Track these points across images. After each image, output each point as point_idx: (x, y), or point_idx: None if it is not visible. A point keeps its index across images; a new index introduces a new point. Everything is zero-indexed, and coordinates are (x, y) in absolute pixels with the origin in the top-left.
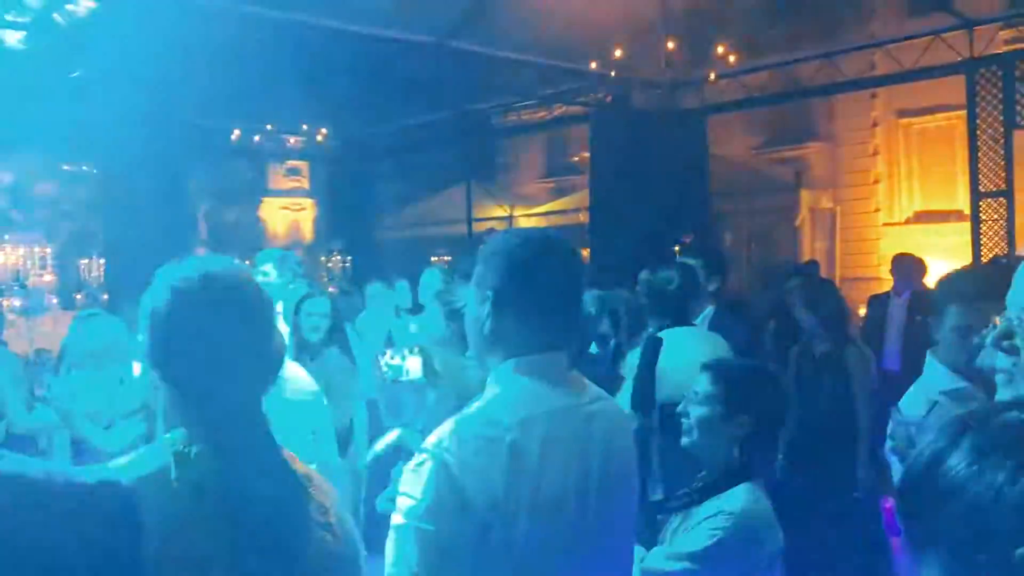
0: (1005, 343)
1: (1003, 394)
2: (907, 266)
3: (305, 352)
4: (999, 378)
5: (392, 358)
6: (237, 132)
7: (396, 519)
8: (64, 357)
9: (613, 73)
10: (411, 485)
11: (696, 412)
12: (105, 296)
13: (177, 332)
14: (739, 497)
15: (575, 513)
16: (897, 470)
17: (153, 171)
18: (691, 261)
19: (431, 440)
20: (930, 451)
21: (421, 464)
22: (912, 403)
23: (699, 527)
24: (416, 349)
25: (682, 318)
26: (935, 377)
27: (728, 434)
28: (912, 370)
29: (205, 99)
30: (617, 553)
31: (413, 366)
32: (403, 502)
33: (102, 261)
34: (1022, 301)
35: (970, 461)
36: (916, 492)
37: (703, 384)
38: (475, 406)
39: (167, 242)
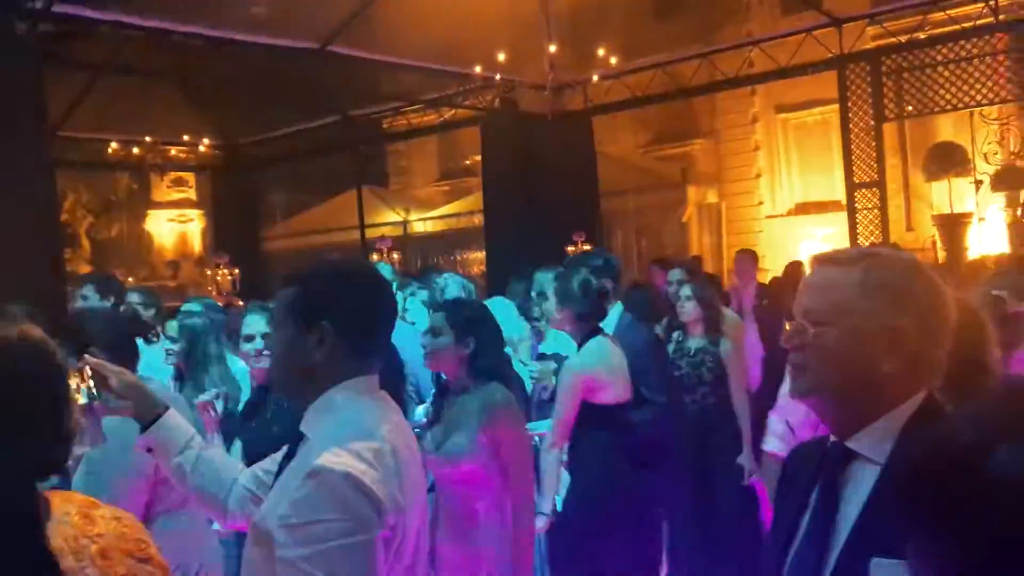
0: (794, 342)
1: (793, 385)
2: (748, 261)
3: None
4: (790, 370)
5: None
6: (115, 144)
7: (307, 548)
8: None
9: (498, 77)
10: (321, 508)
11: None
12: None
13: None
14: None
15: (423, 516)
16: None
17: (25, 189)
18: None
19: (326, 461)
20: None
21: (326, 484)
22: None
23: None
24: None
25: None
26: None
27: None
28: (774, 350)
29: (77, 110)
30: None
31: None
32: (315, 528)
33: None
34: (804, 306)
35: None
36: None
37: None
38: (339, 428)
39: (46, 264)
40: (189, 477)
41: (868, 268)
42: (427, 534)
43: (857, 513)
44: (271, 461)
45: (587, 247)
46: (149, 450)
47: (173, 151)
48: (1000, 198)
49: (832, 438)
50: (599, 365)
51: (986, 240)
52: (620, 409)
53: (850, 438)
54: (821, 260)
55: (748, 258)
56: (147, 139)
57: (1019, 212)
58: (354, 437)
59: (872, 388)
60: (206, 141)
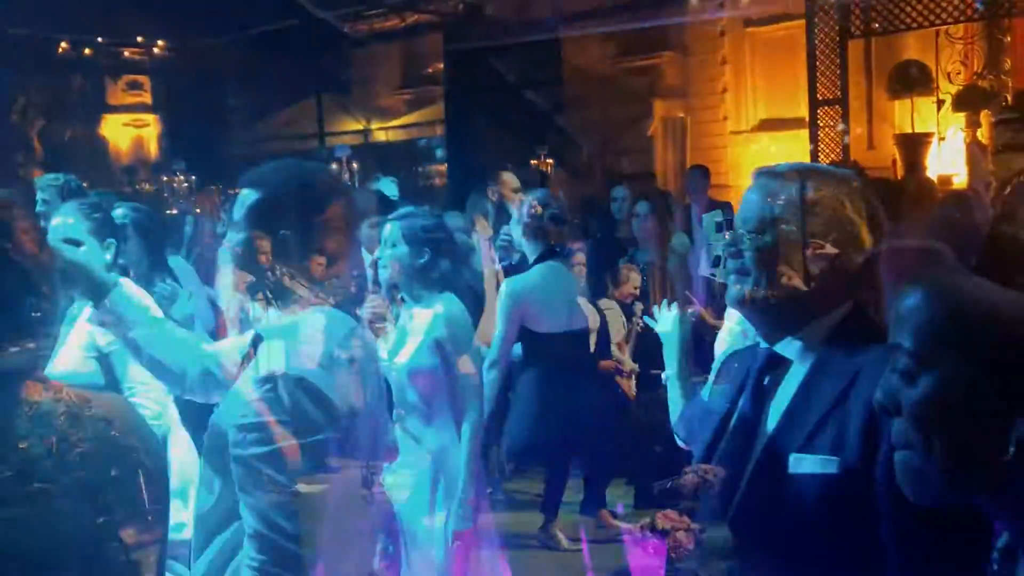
0: (732, 249)
1: (731, 292)
2: (699, 178)
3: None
4: (730, 278)
5: None
6: (65, 44)
7: (260, 448)
8: None
9: None
10: (275, 410)
11: None
12: None
13: None
14: None
15: (379, 422)
16: None
17: None
18: None
19: (281, 365)
20: None
21: (280, 387)
22: None
23: None
24: None
25: None
26: None
27: None
28: None
29: (23, 7)
30: None
31: None
32: (268, 430)
33: None
34: (743, 215)
35: None
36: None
37: None
38: (297, 333)
39: None
40: (144, 350)
41: (803, 181)
42: (384, 441)
43: (781, 413)
44: (235, 349)
45: (550, 161)
46: (103, 324)
47: (127, 52)
48: (961, 118)
49: (762, 344)
50: (534, 290)
51: (945, 160)
52: (561, 339)
53: (778, 343)
54: (762, 172)
55: (700, 174)
56: (99, 39)
57: (978, 133)
58: (311, 342)
59: (800, 296)
60: (160, 43)
